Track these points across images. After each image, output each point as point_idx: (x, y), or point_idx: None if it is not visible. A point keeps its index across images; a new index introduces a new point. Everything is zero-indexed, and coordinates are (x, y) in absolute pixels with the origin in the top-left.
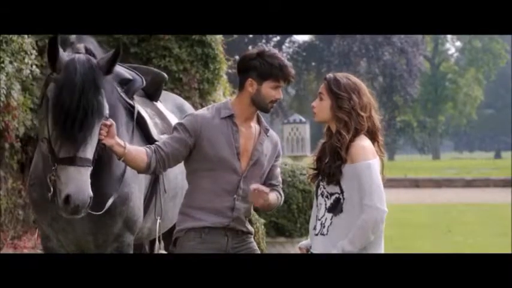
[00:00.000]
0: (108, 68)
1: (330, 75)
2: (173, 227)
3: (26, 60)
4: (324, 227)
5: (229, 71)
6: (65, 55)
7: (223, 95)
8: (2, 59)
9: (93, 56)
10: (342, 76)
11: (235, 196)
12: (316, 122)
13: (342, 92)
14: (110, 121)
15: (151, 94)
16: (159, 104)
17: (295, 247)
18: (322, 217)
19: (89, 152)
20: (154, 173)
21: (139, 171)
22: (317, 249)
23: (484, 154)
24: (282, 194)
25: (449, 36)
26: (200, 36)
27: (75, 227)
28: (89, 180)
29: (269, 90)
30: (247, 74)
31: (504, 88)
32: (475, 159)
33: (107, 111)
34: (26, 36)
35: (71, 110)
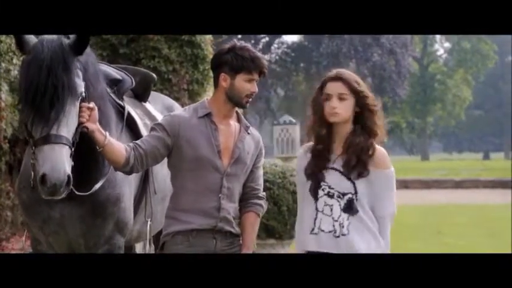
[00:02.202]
0: (78, 47)
1: (344, 73)
2: (161, 231)
3: (14, 61)
4: (343, 227)
5: None
6: (33, 37)
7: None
8: None
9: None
10: (354, 73)
11: (220, 195)
12: (336, 122)
13: (362, 89)
14: (93, 105)
15: (140, 95)
16: (148, 105)
17: (285, 249)
18: (339, 217)
19: (64, 130)
20: (132, 171)
21: (117, 167)
22: (342, 249)
23: (473, 155)
24: (264, 204)
25: (438, 37)
26: (189, 36)
27: (67, 229)
28: (66, 158)
29: (243, 83)
30: (220, 69)
31: (492, 89)
32: (464, 160)
33: (81, 90)
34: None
35: (39, 86)
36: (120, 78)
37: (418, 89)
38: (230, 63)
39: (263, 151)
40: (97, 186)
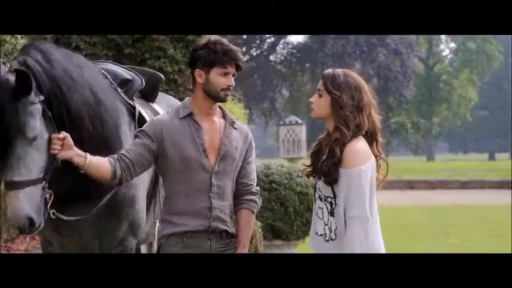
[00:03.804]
0: (21, 87)
1: (329, 71)
2: None
3: None
4: (331, 231)
5: None
6: None
7: None
8: None
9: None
10: (341, 73)
11: (210, 194)
12: (313, 118)
13: (339, 91)
14: (63, 134)
15: (148, 95)
16: (155, 105)
17: (291, 250)
18: (328, 222)
19: (23, 172)
20: (121, 182)
21: (106, 182)
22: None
23: (479, 156)
24: (258, 199)
25: (443, 38)
26: (195, 37)
27: (82, 231)
28: (28, 201)
29: (217, 77)
30: (195, 66)
31: (497, 89)
32: (469, 160)
33: (33, 127)
34: (19, 37)
35: None
36: (130, 78)
37: (423, 90)
38: (203, 58)
39: (253, 145)
40: (103, 201)
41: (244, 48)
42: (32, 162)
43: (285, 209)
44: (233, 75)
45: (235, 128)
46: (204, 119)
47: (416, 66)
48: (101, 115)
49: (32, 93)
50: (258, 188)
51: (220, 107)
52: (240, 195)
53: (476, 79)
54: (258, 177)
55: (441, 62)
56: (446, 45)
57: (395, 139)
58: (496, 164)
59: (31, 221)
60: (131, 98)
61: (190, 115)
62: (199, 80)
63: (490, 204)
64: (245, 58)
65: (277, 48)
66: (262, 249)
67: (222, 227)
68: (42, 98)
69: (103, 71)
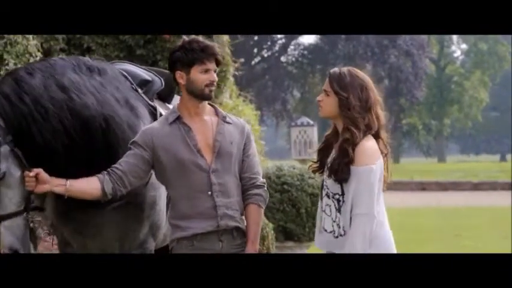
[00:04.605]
0: None
1: (335, 71)
2: None
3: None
4: (339, 227)
5: (236, 73)
6: None
7: (230, 98)
8: (6, 61)
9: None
10: (347, 73)
11: (212, 193)
12: (321, 117)
13: (346, 92)
14: (35, 170)
15: (165, 96)
16: (171, 107)
17: (303, 251)
18: (336, 218)
19: (1, 209)
20: (116, 195)
21: (97, 198)
22: (342, 250)
23: (490, 157)
24: (264, 192)
25: (454, 39)
26: (206, 38)
27: (103, 233)
28: (8, 235)
29: (198, 75)
30: (175, 68)
31: (509, 91)
32: (480, 162)
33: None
34: (31, 38)
35: None
36: (150, 79)
37: (434, 91)
38: (181, 59)
39: (251, 137)
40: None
41: (255, 50)
42: (6, 199)
43: (297, 211)
44: (214, 71)
45: (228, 123)
46: (194, 120)
47: (428, 68)
48: (100, 129)
49: None
50: (263, 180)
51: (212, 104)
52: (245, 190)
53: (487, 80)
54: (269, 178)
55: (452, 63)
56: (458, 46)
57: (407, 140)
58: (508, 165)
59: (16, 251)
60: (151, 99)
61: (178, 118)
62: (181, 81)
63: (503, 205)
64: (257, 59)
65: (289, 49)
66: (274, 251)
67: (232, 223)
68: (9, 138)
69: (123, 72)
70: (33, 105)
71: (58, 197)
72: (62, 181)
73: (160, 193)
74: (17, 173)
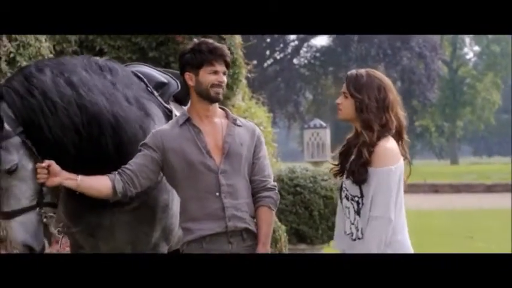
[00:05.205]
0: None
1: (352, 72)
2: None
3: None
4: (357, 230)
5: (248, 75)
6: None
7: (243, 100)
8: (19, 63)
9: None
10: (365, 74)
11: (221, 194)
12: (339, 120)
13: (361, 93)
14: (46, 162)
15: (181, 98)
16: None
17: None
18: (354, 221)
19: (11, 203)
20: (126, 195)
21: (107, 197)
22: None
23: (503, 159)
24: (275, 195)
25: (467, 41)
26: (219, 40)
27: (116, 236)
28: (21, 231)
29: (207, 76)
30: (184, 70)
31: None
32: (493, 164)
33: (10, 164)
34: (43, 40)
35: None
36: (166, 81)
37: (447, 93)
38: (190, 61)
39: (262, 140)
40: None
41: (268, 52)
42: (18, 193)
43: (310, 213)
44: (224, 74)
45: (238, 125)
46: (204, 122)
47: (441, 69)
48: (109, 127)
49: (6, 128)
50: (274, 183)
51: (223, 108)
52: (255, 192)
53: (500, 82)
54: (282, 180)
55: (465, 65)
56: (470, 48)
57: (420, 142)
58: None
59: (30, 247)
60: (167, 102)
61: (188, 120)
62: (191, 83)
63: None
64: (269, 61)
65: (301, 51)
66: (287, 252)
67: (241, 225)
68: (20, 130)
69: (139, 74)
70: (43, 99)
71: (70, 197)
72: (73, 175)
73: (173, 196)
74: (29, 165)
